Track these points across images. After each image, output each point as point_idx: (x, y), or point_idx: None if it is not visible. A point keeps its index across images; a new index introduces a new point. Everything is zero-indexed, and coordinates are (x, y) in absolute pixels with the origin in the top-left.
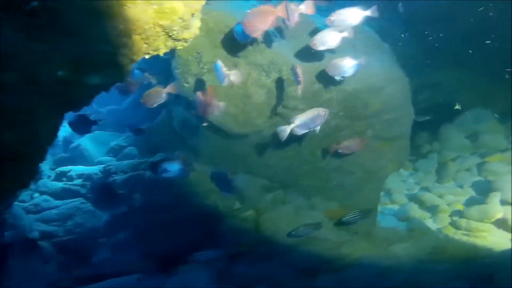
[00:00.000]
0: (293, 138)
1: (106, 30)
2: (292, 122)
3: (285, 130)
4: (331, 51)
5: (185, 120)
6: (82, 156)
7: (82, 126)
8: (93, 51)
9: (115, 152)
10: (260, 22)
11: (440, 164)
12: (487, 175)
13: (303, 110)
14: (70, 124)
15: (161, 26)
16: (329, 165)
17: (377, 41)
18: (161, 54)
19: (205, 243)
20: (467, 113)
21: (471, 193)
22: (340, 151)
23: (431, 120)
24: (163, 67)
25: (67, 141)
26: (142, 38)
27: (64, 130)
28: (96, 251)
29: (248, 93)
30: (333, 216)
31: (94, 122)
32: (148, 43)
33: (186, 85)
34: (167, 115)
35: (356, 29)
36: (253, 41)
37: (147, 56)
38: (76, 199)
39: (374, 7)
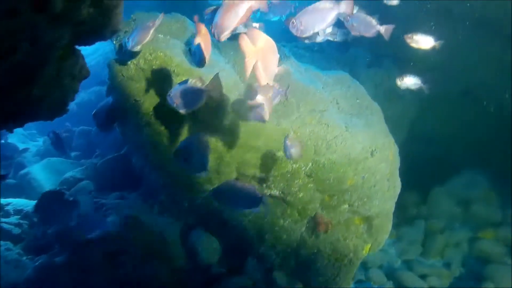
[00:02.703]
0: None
1: None
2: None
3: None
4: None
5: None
6: (29, 186)
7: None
8: None
9: (69, 184)
10: None
11: (427, 233)
12: (479, 254)
13: (264, 180)
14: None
15: None
16: (294, 238)
17: (365, 99)
18: None
19: None
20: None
21: (460, 276)
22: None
23: (421, 178)
24: None
25: (19, 165)
26: None
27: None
28: None
29: None
30: None
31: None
32: None
33: None
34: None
35: (343, 82)
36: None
37: None
38: (2, 242)
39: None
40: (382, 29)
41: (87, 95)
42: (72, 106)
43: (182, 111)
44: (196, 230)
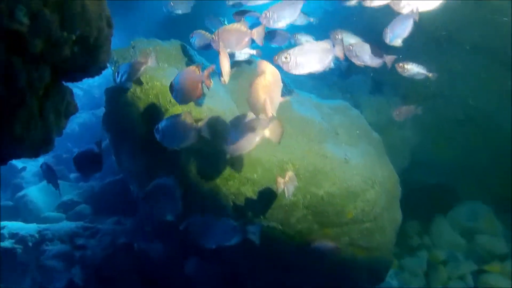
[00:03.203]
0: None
1: None
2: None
3: None
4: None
5: None
6: (26, 209)
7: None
8: None
9: (67, 207)
10: None
11: (430, 265)
12: None
13: (261, 212)
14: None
15: None
16: (293, 265)
17: (365, 129)
18: None
19: None
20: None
21: None
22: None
23: (423, 207)
24: None
25: (17, 187)
26: None
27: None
28: None
29: None
30: None
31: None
32: None
33: None
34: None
35: (342, 111)
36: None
37: None
38: None
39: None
40: (385, 59)
41: (88, 116)
42: (73, 126)
43: (169, 147)
44: (192, 257)
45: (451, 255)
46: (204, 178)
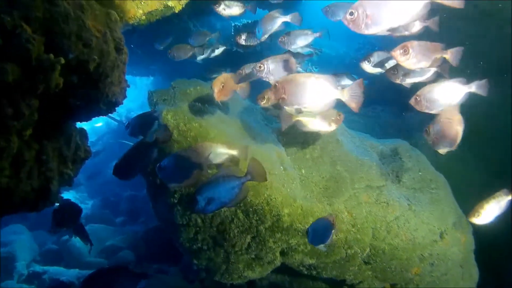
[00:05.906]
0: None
1: None
2: None
3: None
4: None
5: None
6: (69, 254)
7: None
8: None
9: (109, 253)
10: None
11: None
12: None
13: (314, 267)
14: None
15: None
16: None
17: (428, 171)
18: None
19: None
20: None
21: None
22: None
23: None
24: None
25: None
26: None
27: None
28: None
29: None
30: None
31: None
32: None
33: None
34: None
35: (402, 152)
36: None
37: None
38: None
39: None
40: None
41: None
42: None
43: (170, 186)
44: None
45: None
46: (244, 229)
